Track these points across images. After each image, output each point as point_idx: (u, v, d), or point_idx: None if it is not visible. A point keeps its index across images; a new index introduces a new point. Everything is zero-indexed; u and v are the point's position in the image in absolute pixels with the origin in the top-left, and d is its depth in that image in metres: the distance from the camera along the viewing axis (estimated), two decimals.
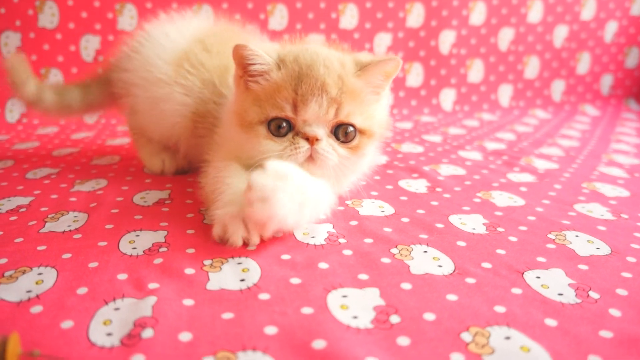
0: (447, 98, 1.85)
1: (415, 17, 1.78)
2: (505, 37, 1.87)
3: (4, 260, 0.65)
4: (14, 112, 1.56)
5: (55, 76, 1.59)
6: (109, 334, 0.50)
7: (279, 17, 1.68)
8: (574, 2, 1.90)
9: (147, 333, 0.50)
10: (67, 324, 0.51)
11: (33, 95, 1.05)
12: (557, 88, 1.96)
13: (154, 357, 0.46)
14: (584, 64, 1.98)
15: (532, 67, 1.92)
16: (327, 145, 0.70)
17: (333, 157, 0.71)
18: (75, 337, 0.49)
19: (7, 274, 0.61)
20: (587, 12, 1.93)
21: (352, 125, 0.72)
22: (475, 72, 1.87)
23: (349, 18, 1.73)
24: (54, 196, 0.90)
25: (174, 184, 0.96)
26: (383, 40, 1.77)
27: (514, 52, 1.90)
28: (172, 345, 0.48)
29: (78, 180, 0.99)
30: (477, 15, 1.83)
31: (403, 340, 0.49)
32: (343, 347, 0.47)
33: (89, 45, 1.60)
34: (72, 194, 0.91)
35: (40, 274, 0.62)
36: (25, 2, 1.54)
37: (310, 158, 0.70)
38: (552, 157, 1.23)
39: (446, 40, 1.82)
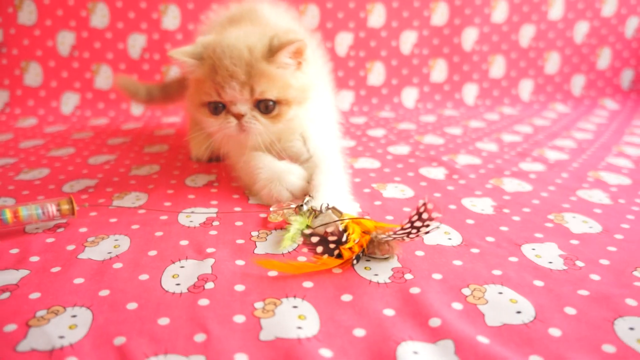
0: (470, 93, 1.94)
1: (439, 15, 1.87)
2: (526, 34, 1.95)
3: (84, 229, 0.78)
4: (68, 104, 1.71)
5: (105, 72, 1.74)
6: (178, 284, 0.62)
7: (310, 17, 1.80)
8: None
9: (209, 285, 0.62)
10: (143, 277, 0.64)
11: (145, 98, 1.39)
12: (577, 83, 2.03)
13: (216, 301, 0.59)
14: (604, 59, 2.04)
15: (552, 63, 2.00)
16: (250, 118, 0.86)
17: (258, 127, 0.86)
18: (151, 286, 0.62)
19: (89, 239, 0.75)
20: (608, 8, 1.99)
21: (270, 100, 0.86)
22: (497, 68, 1.95)
23: (376, 17, 1.84)
24: (116, 179, 1.04)
25: (218, 170, 1.08)
26: (409, 38, 1.87)
27: (535, 49, 1.97)
28: (229, 293, 0.60)
29: (134, 166, 1.12)
30: (499, 13, 1.91)
31: (414, 290, 0.61)
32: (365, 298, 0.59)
33: (136, 44, 1.74)
34: (131, 177, 1.04)
35: (116, 240, 0.75)
36: (78, 4, 1.69)
37: (242, 129, 0.86)
38: (564, 149, 1.31)
39: (469, 37, 1.91)
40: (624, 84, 2.07)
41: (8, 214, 0.76)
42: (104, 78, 1.74)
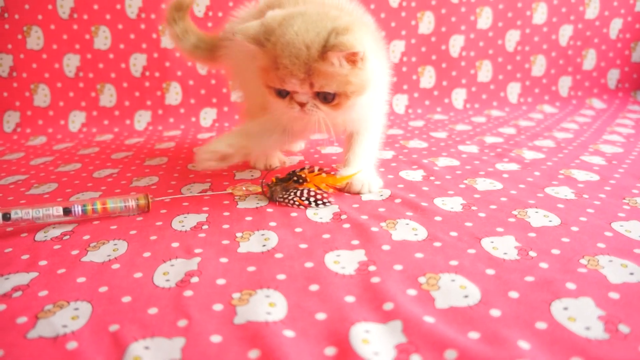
0: (459, 97, 2.01)
1: (426, 24, 1.96)
2: (512, 39, 2.03)
3: (87, 237, 0.87)
4: (75, 122, 1.81)
5: (109, 90, 1.84)
6: (168, 280, 0.71)
7: None
8: (578, 2, 2.04)
9: (194, 279, 0.70)
10: (137, 275, 0.73)
11: (190, 48, 1.31)
12: (564, 84, 2.10)
13: (199, 293, 0.67)
14: (590, 60, 2.11)
15: (539, 65, 2.07)
16: (311, 106, 0.91)
17: (318, 113, 0.92)
18: (144, 282, 0.70)
19: (91, 244, 0.83)
20: (592, 11, 2.06)
21: (329, 92, 0.90)
22: (485, 72, 2.03)
23: None
24: (117, 190, 1.12)
25: (212, 179, 1.17)
26: (398, 46, 1.96)
27: (521, 52, 2.04)
28: (211, 286, 0.68)
29: (135, 178, 1.21)
30: (484, 19, 1.98)
31: (375, 279, 0.68)
32: (331, 287, 0.67)
33: (137, 62, 1.84)
34: (132, 189, 1.13)
35: (115, 244, 0.83)
36: (82, 28, 1.79)
37: (304, 114, 0.93)
38: (543, 149, 1.38)
39: (456, 44, 1.99)
40: (610, 84, 2.13)
41: (99, 205, 0.94)
42: (108, 96, 1.84)
